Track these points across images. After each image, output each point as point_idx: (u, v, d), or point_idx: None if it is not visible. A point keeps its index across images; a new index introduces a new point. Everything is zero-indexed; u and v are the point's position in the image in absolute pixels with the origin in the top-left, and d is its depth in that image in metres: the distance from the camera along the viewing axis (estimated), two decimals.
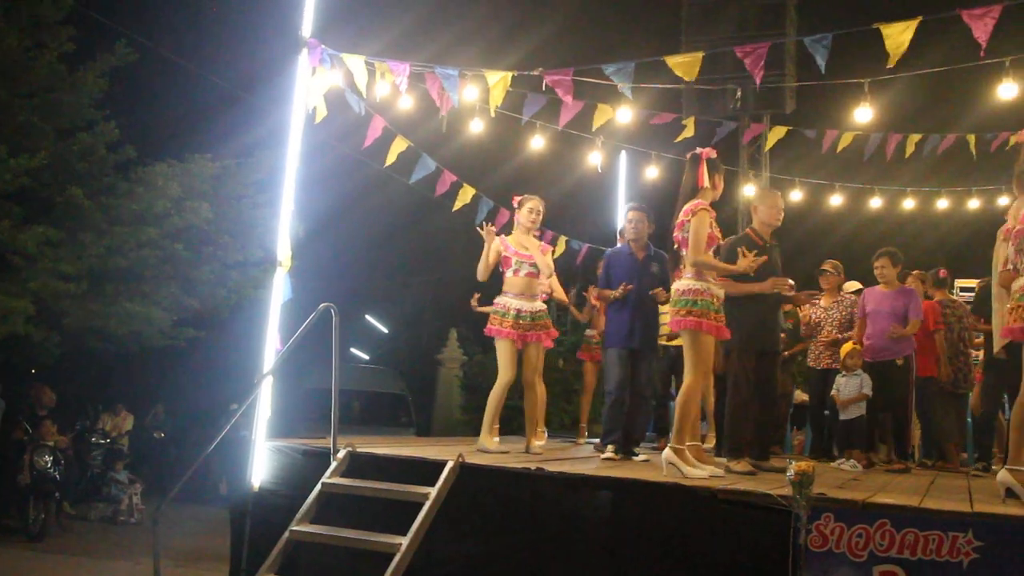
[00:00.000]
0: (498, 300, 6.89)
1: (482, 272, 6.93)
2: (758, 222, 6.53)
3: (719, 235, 5.79)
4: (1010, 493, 4.71)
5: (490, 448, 6.55)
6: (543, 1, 20.93)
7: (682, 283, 5.68)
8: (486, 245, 6.89)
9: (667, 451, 5.50)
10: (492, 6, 20.06)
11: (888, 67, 6.02)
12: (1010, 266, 4.78)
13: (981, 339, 8.27)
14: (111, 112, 11.72)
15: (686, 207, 5.68)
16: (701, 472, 5.35)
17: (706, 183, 5.76)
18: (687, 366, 5.64)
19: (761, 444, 6.50)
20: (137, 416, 14.08)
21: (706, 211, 5.63)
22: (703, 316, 5.52)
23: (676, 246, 5.78)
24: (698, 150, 5.88)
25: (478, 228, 7.02)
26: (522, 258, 6.83)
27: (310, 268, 12.37)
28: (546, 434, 8.25)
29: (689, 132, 8.77)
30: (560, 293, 7.88)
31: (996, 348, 5.86)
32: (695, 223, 5.58)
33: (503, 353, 6.75)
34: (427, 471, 5.34)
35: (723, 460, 6.27)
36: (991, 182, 10.73)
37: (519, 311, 6.77)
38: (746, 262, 5.76)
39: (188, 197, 11.83)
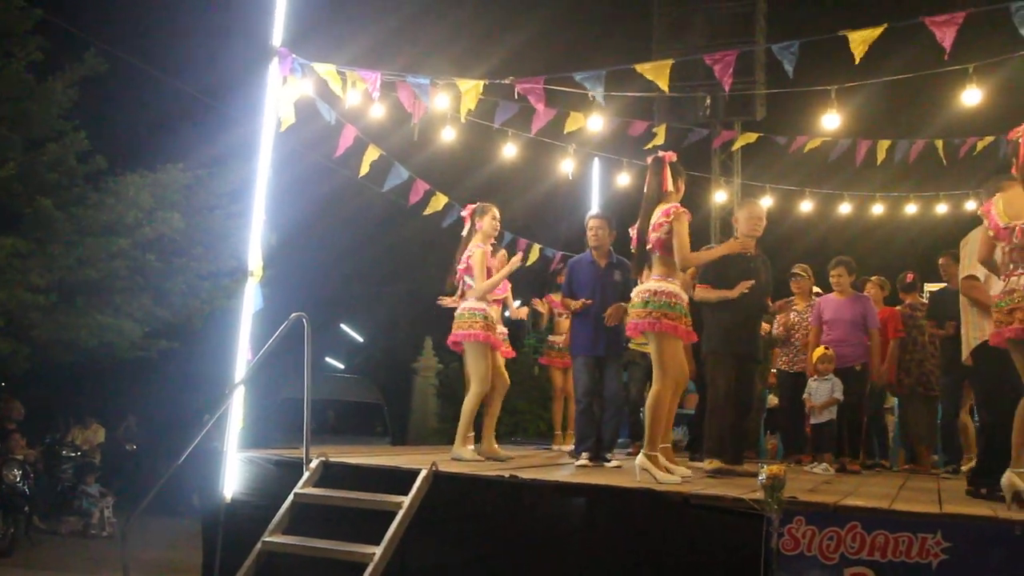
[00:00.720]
0: (471, 304, 6.82)
1: (488, 289, 6.86)
2: (739, 233, 6.60)
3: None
4: (1017, 497, 4.67)
5: (465, 456, 6.55)
6: (515, 10, 20.96)
7: (647, 284, 5.68)
8: (509, 268, 6.92)
9: (640, 457, 5.52)
10: (464, 16, 20.09)
11: (855, 64, 6.08)
12: (1010, 265, 4.76)
13: (934, 342, 8.39)
14: (81, 122, 11.63)
15: (664, 209, 5.69)
16: (674, 478, 5.38)
17: (670, 187, 5.79)
18: (655, 372, 5.64)
19: (736, 448, 6.54)
20: (109, 428, 13.94)
21: (685, 214, 5.65)
22: (666, 317, 5.50)
23: (649, 247, 5.78)
24: (660, 154, 5.90)
25: (507, 252, 7.11)
26: (495, 268, 6.96)
27: (284, 278, 12.35)
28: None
29: (660, 140, 8.82)
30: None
31: (964, 354, 5.90)
32: (678, 226, 5.59)
33: (479, 357, 6.75)
34: (401, 480, 5.32)
35: (699, 464, 6.31)
36: (959, 187, 10.87)
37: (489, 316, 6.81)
38: (735, 244, 5.87)
39: (160, 207, 11.76)
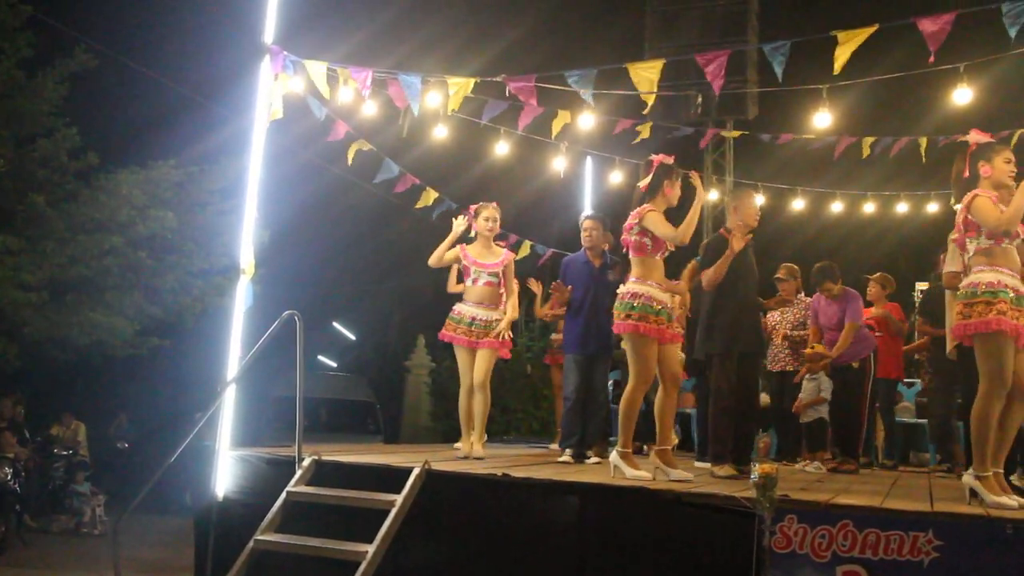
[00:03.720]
0: (456, 307, 6.83)
1: (434, 259, 6.86)
2: (732, 222, 6.55)
3: None
4: (974, 493, 4.76)
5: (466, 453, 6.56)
6: (508, 9, 20.96)
7: (625, 287, 5.71)
8: (451, 235, 6.85)
9: (613, 453, 5.63)
10: (456, 14, 20.07)
11: (834, 74, 6.10)
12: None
13: (926, 340, 8.40)
14: (72, 119, 11.60)
15: (634, 211, 5.71)
16: (643, 474, 5.43)
17: (654, 189, 5.74)
18: (630, 371, 5.67)
19: (743, 449, 6.55)
20: (100, 426, 13.90)
21: (653, 211, 5.63)
22: (642, 319, 5.51)
23: (624, 249, 5.81)
24: (652, 156, 5.90)
25: (453, 219, 6.97)
26: (480, 267, 6.75)
27: (277, 275, 12.34)
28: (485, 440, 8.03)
29: (645, 134, 8.81)
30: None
31: (949, 348, 5.96)
32: (652, 218, 5.57)
33: (460, 359, 6.76)
34: (393, 478, 5.32)
35: (706, 465, 6.31)
36: (949, 186, 10.85)
37: (473, 318, 6.69)
38: (738, 241, 6.00)
39: (152, 205, 11.74)
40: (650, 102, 6.77)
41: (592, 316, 6.99)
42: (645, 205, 5.68)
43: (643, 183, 5.77)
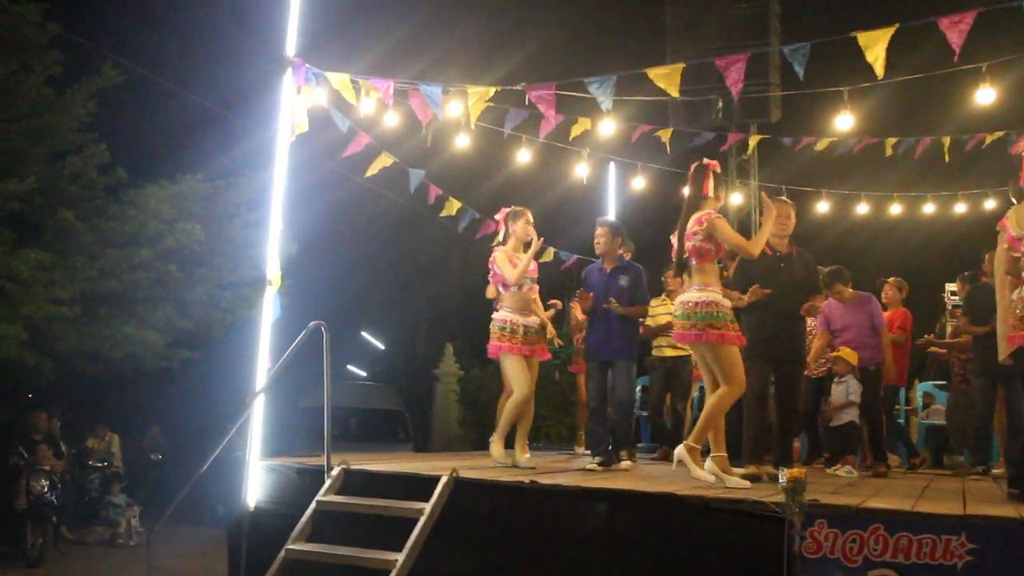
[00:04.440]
0: (502, 316, 6.79)
1: (517, 276, 6.68)
2: (765, 231, 6.55)
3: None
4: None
5: (522, 463, 6.56)
6: (528, 17, 20.99)
7: (687, 295, 5.66)
8: (532, 249, 6.74)
9: (680, 448, 5.60)
10: (475, 23, 20.12)
11: (878, 78, 6.03)
12: None
13: (967, 339, 8.25)
14: (100, 134, 11.76)
15: (696, 217, 5.68)
16: (708, 476, 5.42)
17: (710, 193, 5.76)
18: (721, 379, 5.58)
19: (782, 452, 6.55)
20: (133, 438, 14.04)
21: (719, 218, 5.64)
22: (724, 328, 5.49)
23: (686, 255, 5.78)
24: (705, 161, 5.88)
25: (533, 235, 6.81)
26: (528, 274, 6.82)
27: (303, 286, 12.42)
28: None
29: (664, 137, 8.81)
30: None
31: (1002, 355, 5.77)
32: (719, 232, 5.57)
33: (517, 369, 6.68)
34: (421, 486, 5.35)
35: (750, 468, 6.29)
36: (977, 186, 10.77)
37: (526, 327, 6.75)
38: (771, 215, 5.98)
39: (180, 218, 11.85)
40: (673, 94, 6.70)
41: (606, 322, 7.00)
42: (709, 211, 5.67)
43: (705, 188, 5.75)
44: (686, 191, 5.95)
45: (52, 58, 11.24)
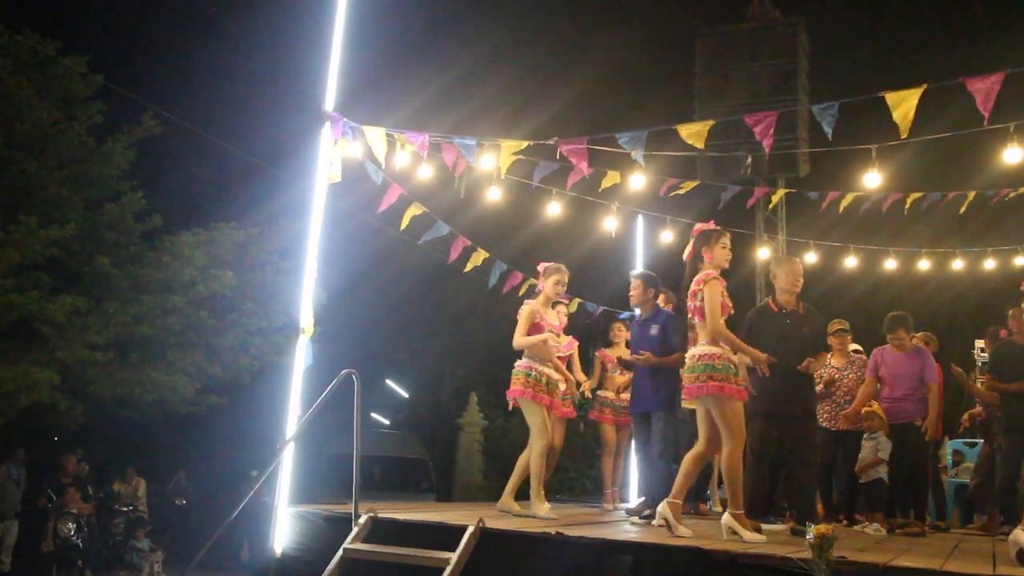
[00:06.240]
0: (526, 363, 6.74)
1: (517, 345, 6.75)
2: (777, 290, 6.64)
3: (730, 304, 5.83)
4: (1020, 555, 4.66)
5: (542, 514, 6.48)
6: (560, 74, 21.34)
7: (697, 349, 5.72)
8: (539, 338, 6.75)
9: (726, 516, 5.55)
10: (508, 79, 20.45)
11: (902, 138, 6.10)
12: None
13: (994, 395, 8.18)
14: (138, 182, 12.03)
15: (697, 277, 5.78)
16: (761, 538, 5.38)
17: (710, 255, 5.80)
18: (723, 434, 5.60)
19: (804, 507, 6.52)
20: (159, 483, 14.10)
21: (716, 280, 5.70)
22: (725, 380, 5.53)
23: (690, 315, 5.86)
24: (698, 226, 5.99)
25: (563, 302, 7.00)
26: (549, 327, 6.87)
27: (332, 333, 12.53)
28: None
29: (687, 187, 8.90)
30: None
31: None
32: (708, 291, 5.65)
33: (539, 417, 6.65)
34: (448, 536, 5.35)
35: (772, 526, 6.24)
36: (1007, 242, 10.76)
37: (548, 378, 6.77)
38: (763, 362, 5.88)
39: (213, 265, 12.03)
40: (699, 146, 6.80)
41: (642, 372, 7.08)
42: (709, 272, 5.74)
43: (689, 253, 5.88)
44: (685, 254, 6.01)
45: (95, 108, 11.56)
